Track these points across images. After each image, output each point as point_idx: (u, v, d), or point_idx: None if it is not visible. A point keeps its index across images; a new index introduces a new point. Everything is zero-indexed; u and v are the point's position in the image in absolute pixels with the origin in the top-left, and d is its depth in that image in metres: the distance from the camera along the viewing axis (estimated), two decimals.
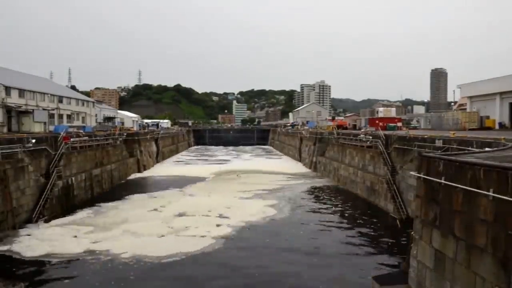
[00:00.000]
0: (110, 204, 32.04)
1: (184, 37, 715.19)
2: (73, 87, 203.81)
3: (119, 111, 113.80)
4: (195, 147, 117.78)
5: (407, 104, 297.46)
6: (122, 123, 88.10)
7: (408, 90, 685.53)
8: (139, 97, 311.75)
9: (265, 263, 18.61)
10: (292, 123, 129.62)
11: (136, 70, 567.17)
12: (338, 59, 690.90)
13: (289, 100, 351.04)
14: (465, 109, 54.03)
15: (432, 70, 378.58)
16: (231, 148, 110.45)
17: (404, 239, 20.51)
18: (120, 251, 19.56)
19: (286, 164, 64.32)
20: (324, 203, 33.22)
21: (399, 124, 59.10)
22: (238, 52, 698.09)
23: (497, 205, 7.74)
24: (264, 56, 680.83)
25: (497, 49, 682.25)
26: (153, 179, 48.70)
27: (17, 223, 24.16)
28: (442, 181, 9.76)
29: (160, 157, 69.72)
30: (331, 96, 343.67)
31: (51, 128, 50.22)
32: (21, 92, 53.31)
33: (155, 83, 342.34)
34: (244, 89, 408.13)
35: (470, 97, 52.43)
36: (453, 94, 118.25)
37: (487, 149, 15.86)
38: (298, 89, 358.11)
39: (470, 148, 19.26)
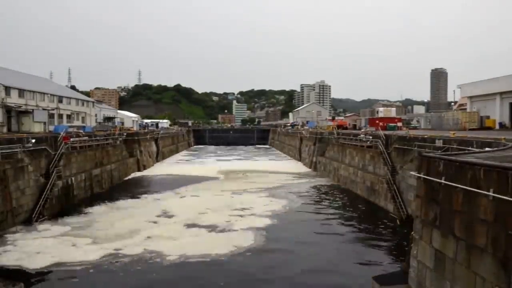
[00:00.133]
0: (120, 202, 32.38)
1: (184, 37, 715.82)
2: (73, 87, 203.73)
3: (119, 111, 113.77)
4: (195, 146, 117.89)
5: (407, 104, 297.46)
6: (122, 123, 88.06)
7: (408, 90, 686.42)
8: (139, 97, 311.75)
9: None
10: (292, 123, 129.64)
11: (136, 70, 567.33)
12: (338, 59, 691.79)
13: (289, 100, 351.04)
14: (465, 109, 54.01)
15: (432, 70, 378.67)
16: (231, 148, 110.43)
17: (404, 239, 20.48)
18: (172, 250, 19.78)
19: (287, 164, 64.41)
20: (325, 202, 33.42)
21: (399, 124, 59.08)
22: (238, 52, 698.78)
23: (497, 205, 7.72)
24: (264, 56, 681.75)
25: (497, 49, 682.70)
26: (155, 178, 48.92)
27: (16, 223, 24.17)
28: (442, 181, 9.75)
29: (160, 157, 69.77)
30: (331, 96, 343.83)
31: (51, 128, 50.20)
32: (21, 92, 53.30)
33: (155, 83, 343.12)
34: (244, 89, 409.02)
35: (470, 97, 52.41)
36: (453, 94, 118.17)
37: (487, 149, 15.85)
38: (298, 89, 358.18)
39: (470, 148, 19.24)
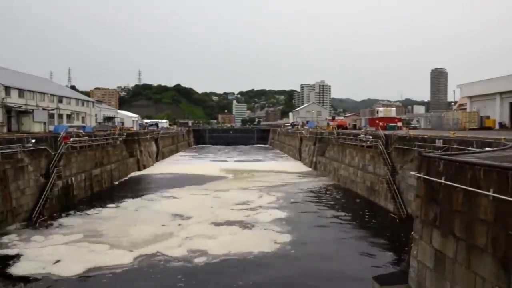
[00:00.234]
0: (127, 202, 32.35)
1: (184, 37, 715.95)
2: (73, 87, 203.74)
3: (119, 111, 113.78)
4: (195, 146, 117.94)
5: (407, 104, 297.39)
6: (122, 123, 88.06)
7: (408, 90, 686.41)
8: (139, 97, 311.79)
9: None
10: (292, 123, 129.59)
11: (136, 70, 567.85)
12: (338, 59, 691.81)
13: (289, 100, 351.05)
14: (465, 109, 54.01)
15: (432, 70, 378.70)
16: (231, 148, 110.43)
17: (404, 239, 20.48)
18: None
19: (287, 164, 64.52)
20: (326, 201, 33.58)
21: (399, 124, 59.09)
22: (238, 52, 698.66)
23: (497, 205, 7.72)
24: (264, 56, 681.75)
25: (497, 49, 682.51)
26: (155, 177, 49.15)
27: (17, 222, 24.17)
28: (442, 181, 9.75)
29: (160, 157, 69.82)
30: (331, 96, 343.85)
31: (51, 128, 50.21)
32: (21, 92, 53.30)
33: (155, 83, 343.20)
34: (244, 89, 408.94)
35: (470, 97, 52.42)
36: (453, 94, 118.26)
37: (487, 149, 15.84)
38: (298, 89, 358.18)
39: (470, 148, 19.24)
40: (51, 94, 62.14)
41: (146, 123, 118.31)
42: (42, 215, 26.22)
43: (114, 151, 47.26)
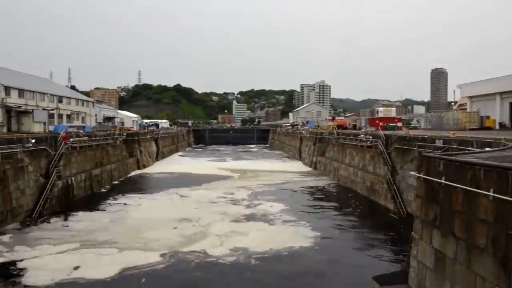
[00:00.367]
0: (136, 200, 32.52)
1: (184, 37, 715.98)
2: (73, 87, 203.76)
3: (119, 111, 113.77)
4: (195, 146, 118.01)
5: (407, 104, 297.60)
6: (122, 123, 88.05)
7: (408, 90, 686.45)
8: (139, 97, 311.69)
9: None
10: (292, 123, 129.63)
11: (136, 70, 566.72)
12: (338, 59, 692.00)
13: (289, 100, 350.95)
14: (465, 109, 54.01)
15: (432, 70, 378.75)
16: (231, 148, 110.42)
17: (404, 239, 20.47)
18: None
19: (288, 164, 64.69)
20: (325, 200, 33.87)
21: (399, 124, 59.08)
22: (238, 52, 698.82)
23: (497, 205, 7.72)
24: (264, 56, 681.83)
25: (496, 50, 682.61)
26: (155, 176, 49.39)
27: (16, 222, 24.16)
28: (442, 181, 9.74)
29: (160, 157, 69.83)
30: (331, 96, 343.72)
31: (51, 128, 50.19)
32: (21, 92, 53.30)
33: (155, 83, 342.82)
34: (244, 89, 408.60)
35: (470, 97, 52.42)
36: (453, 94, 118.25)
37: (487, 149, 15.84)
38: (298, 89, 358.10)
39: (470, 148, 19.24)
40: (51, 94, 62.14)
41: (146, 123, 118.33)
42: (42, 215, 26.23)
43: (114, 151, 47.26)
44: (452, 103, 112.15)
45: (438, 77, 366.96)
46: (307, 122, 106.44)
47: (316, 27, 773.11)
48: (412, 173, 15.35)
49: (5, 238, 21.48)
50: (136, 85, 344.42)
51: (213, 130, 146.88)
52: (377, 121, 57.34)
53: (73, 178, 32.94)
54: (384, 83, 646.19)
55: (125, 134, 54.90)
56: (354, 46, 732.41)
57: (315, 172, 51.94)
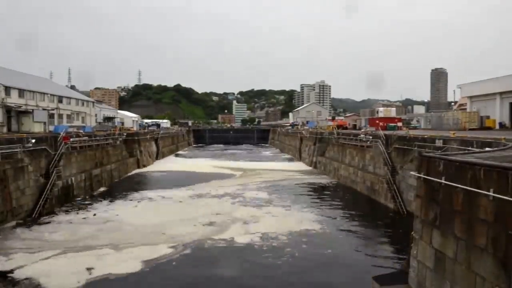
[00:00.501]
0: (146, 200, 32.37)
1: (184, 37, 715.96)
2: (73, 87, 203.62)
3: (119, 111, 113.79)
4: (195, 145, 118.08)
5: (407, 104, 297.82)
6: (122, 123, 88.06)
7: (408, 90, 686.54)
8: (139, 97, 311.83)
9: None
10: (292, 123, 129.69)
11: (136, 70, 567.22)
12: (338, 59, 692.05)
13: (289, 100, 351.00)
14: (465, 109, 54.03)
15: (432, 70, 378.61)
16: (231, 148, 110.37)
17: (404, 239, 20.46)
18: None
19: (289, 163, 64.80)
20: (325, 199, 33.89)
21: (399, 124, 59.12)
22: (238, 52, 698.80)
23: (497, 205, 7.71)
24: (264, 56, 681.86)
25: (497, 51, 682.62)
26: (154, 175, 49.64)
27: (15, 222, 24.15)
28: (442, 181, 9.74)
29: (160, 157, 69.85)
30: (331, 96, 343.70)
31: (51, 128, 50.23)
32: (21, 92, 53.31)
33: (155, 83, 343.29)
34: (244, 89, 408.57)
35: (470, 97, 52.44)
36: (453, 94, 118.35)
37: (487, 149, 15.84)
38: (298, 89, 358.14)
39: (470, 148, 19.24)
40: (51, 94, 62.15)
41: (147, 123, 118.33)
42: (42, 215, 26.23)
43: (114, 151, 47.26)
44: (452, 103, 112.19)
45: (438, 77, 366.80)
46: (307, 122, 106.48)
47: (316, 27, 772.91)
48: (412, 173, 15.35)
49: (4, 238, 21.48)
50: (136, 85, 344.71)
51: (213, 130, 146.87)
52: (377, 121, 57.38)
53: (73, 178, 32.93)
54: (384, 83, 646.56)
55: (125, 134, 54.89)
56: (354, 47, 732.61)
57: (315, 171, 52.09)
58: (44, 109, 54.32)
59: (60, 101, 64.85)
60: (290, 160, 71.73)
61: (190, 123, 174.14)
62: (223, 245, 20.65)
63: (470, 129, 40.12)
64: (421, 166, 11.19)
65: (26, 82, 59.70)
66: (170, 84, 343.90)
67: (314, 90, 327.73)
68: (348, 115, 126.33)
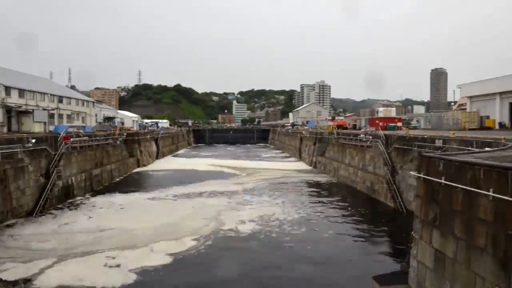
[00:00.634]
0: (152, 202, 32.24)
1: (184, 37, 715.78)
2: (73, 87, 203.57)
3: (119, 111, 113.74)
4: (195, 145, 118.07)
5: (407, 104, 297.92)
6: (122, 123, 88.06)
7: (408, 90, 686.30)
8: (139, 97, 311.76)
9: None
10: (292, 123, 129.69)
11: (136, 70, 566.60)
12: (338, 59, 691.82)
13: (289, 100, 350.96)
14: (465, 109, 54.03)
15: (432, 70, 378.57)
16: (231, 148, 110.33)
17: (404, 239, 20.45)
18: None
19: (289, 163, 64.79)
20: (326, 198, 33.89)
21: (399, 124, 59.11)
22: (238, 52, 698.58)
23: (497, 205, 7.73)
24: (264, 55, 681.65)
25: (497, 50, 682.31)
26: (155, 174, 49.38)
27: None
28: (442, 181, 9.75)
29: (160, 156, 69.87)
30: (331, 96, 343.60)
31: (51, 128, 50.24)
32: (21, 92, 53.29)
33: (155, 83, 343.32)
34: (244, 89, 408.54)
35: (470, 97, 52.43)
36: (453, 94, 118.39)
37: (487, 149, 15.85)
38: (298, 89, 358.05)
39: (470, 148, 19.25)
40: (51, 94, 62.13)
41: (146, 123, 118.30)
42: (42, 215, 26.23)
43: (114, 151, 47.27)
44: (452, 103, 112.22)
45: (438, 77, 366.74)
46: (307, 122, 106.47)
47: (316, 27, 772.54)
48: (412, 173, 15.36)
49: (5, 238, 21.48)
50: (136, 85, 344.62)
51: (213, 130, 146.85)
52: (377, 121, 57.38)
53: (73, 178, 32.94)
54: (384, 83, 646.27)
55: (125, 134, 54.90)
56: (354, 47, 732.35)
57: (315, 171, 52.17)
58: (44, 109, 54.32)
59: (60, 101, 64.83)
60: (290, 160, 71.73)
61: (190, 123, 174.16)
62: (223, 245, 20.63)
63: (470, 129, 40.11)
64: (421, 166, 11.21)
65: (26, 82, 59.66)
66: (170, 84, 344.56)
67: (314, 90, 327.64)
68: (348, 115, 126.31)
